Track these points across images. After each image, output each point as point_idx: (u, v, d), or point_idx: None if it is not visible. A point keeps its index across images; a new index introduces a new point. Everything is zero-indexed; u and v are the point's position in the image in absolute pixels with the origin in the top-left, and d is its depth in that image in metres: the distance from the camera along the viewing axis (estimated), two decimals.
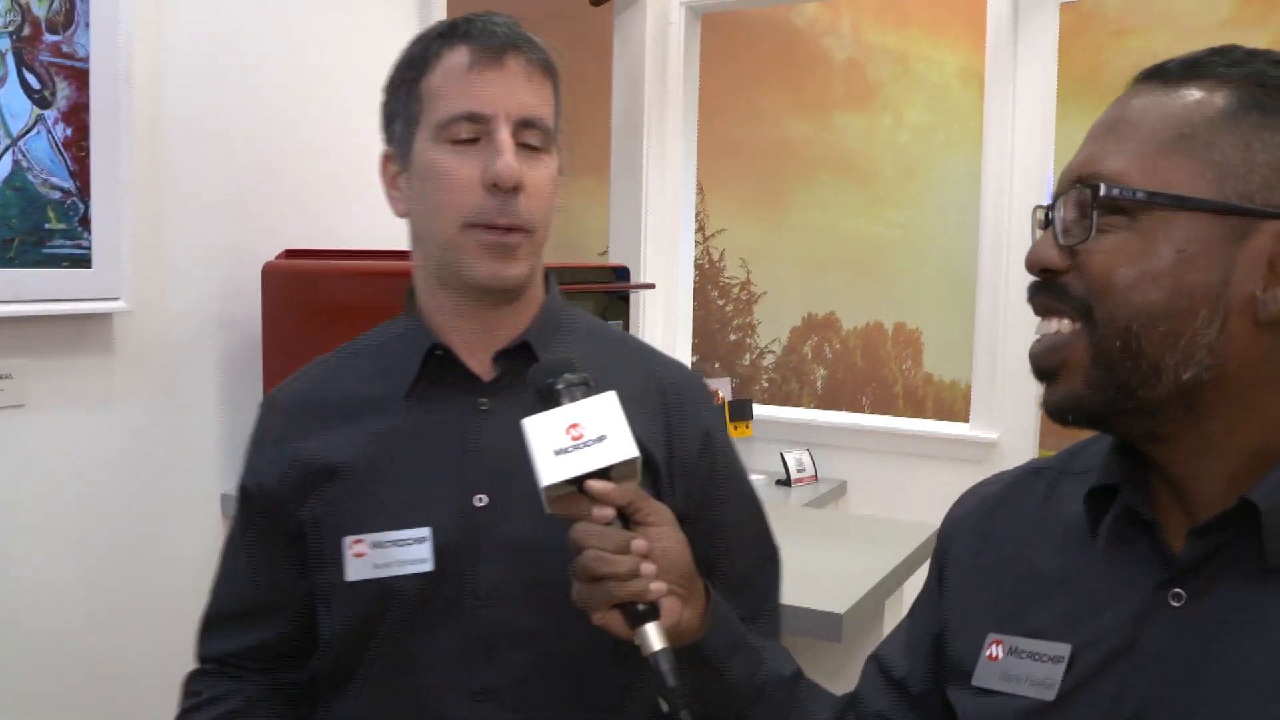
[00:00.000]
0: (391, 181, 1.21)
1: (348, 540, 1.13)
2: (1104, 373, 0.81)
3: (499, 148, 1.11)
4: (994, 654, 0.91)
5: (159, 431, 1.98)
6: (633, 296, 2.70)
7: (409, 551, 1.13)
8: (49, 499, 1.81)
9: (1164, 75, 0.83)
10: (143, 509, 1.96)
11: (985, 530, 0.99)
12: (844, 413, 3.95)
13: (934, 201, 4.56)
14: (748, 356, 5.02)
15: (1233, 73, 0.81)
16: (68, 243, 1.75)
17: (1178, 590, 0.81)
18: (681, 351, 3.69)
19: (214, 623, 1.27)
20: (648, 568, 0.89)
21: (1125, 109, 0.84)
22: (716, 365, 4.96)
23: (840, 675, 1.88)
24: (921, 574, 2.19)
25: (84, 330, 1.82)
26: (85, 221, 1.77)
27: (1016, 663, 0.89)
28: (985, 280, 3.27)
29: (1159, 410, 0.81)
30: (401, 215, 1.21)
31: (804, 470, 3.40)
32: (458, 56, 1.13)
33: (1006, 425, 3.25)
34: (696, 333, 3.87)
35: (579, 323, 1.29)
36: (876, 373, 4.78)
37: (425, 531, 1.13)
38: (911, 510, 3.10)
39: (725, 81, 4.51)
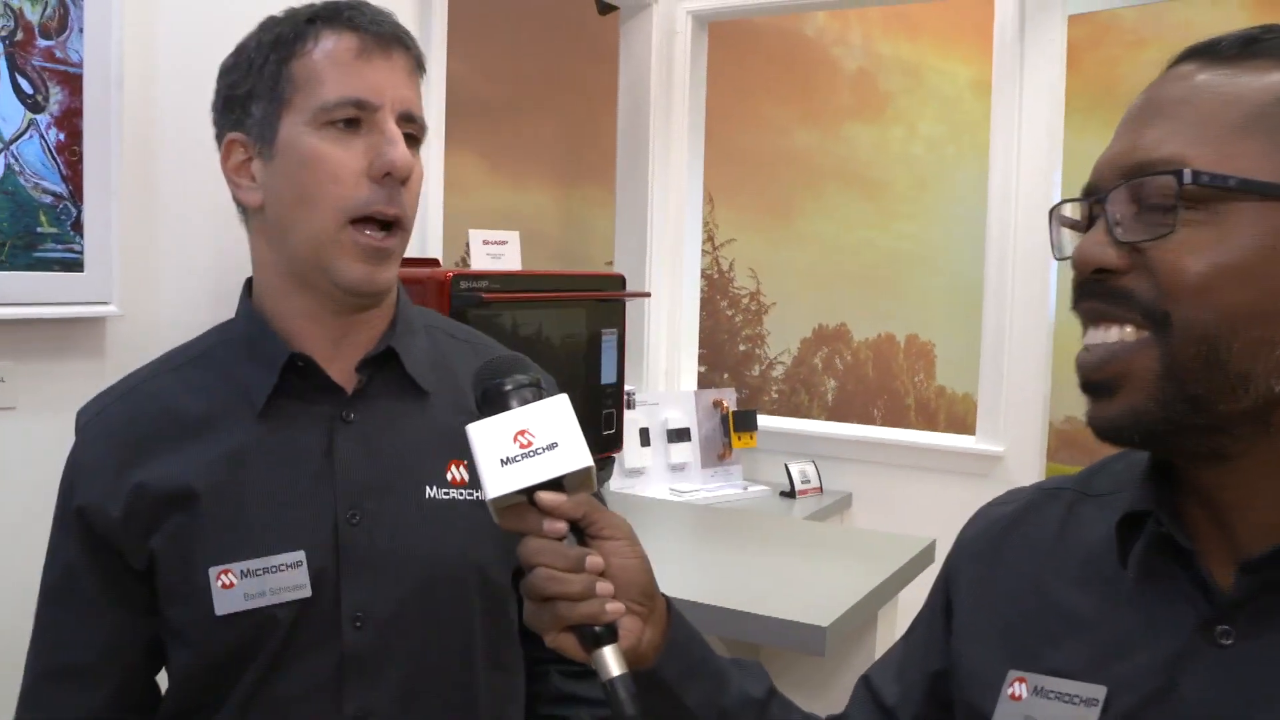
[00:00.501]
0: (238, 169, 1.13)
1: (214, 571, 1.06)
2: (1176, 386, 0.72)
3: (390, 136, 1.07)
4: (1017, 693, 0.83)
5: None
6: (633, 305, 2.69)
7: (283, 578, 1.07)
8: (39, 501, 1.80)
9: (1217, 53, 0.76)
10: None
11: (994, 558, 0.93)
12: (850, 424, 3.93)
13: (946, 213, 4.54)
14: (757, 367, 5.00)
15: None
16: (59, 247, 1.75)
17: (1225, 628, 0.74)
18: (687, 361, 3.68)
19: (44, 681, 1.13)
20: (604, 586, 0.81)
21: (1178, 89, 0.76)
22: (725, 375, 4.94)
23: (826, 690, 1.87)
24: (914, 587, 2.18)
25: (75, 334, 1.83)
26: (77, 226, 1.77)
27: (1043, 704, 0.81)
28: (991, 292, 3.25)
29: (1234, 427, 0.73)
30: (253, 205, 1.13)
31: (809, 482, 3.38)
32: (345, 42, 1.08)
33: (1013, 438, 3.22)
34: (705, 343, 3.86)
35: (427, 321, 1.24)
36: (888, 385, 4.76)
37: (299, 555, 1.08)
38: (916, 522, 3.07)
39: (733, 91, 4.50)
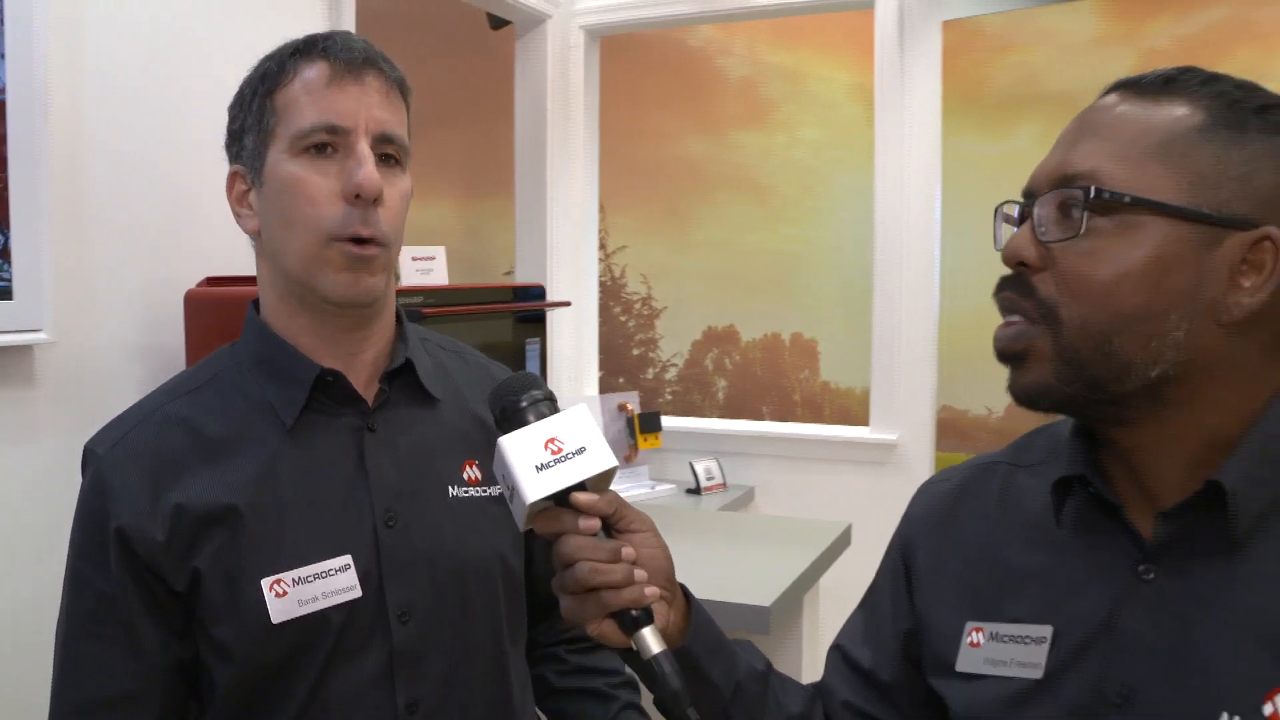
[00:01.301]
0: (240, 200, 1.18)
1: (266, 581, 1.09)
2: (1073, 369, 0.85)
3: (360, 159, 1.10)
4: (975, 640, 0.95)
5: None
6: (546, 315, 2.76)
7: (334, 581, 1.12)
8: None
9: (1139, 88, 0.88)
10: (65, 541, 1.94)
11: (946, 527, 1.04)
12: (750, 421, 4.06)
13: (829, 216, 4.71)
14: (651, 370, 5.11)
15: (1204, 90, 0.86)
16: None
17: (1151, 569, 0.86)
18: (589, 366, 3.76)
19: (84, 713, 1.12)
20: (640, 574, 0.89)
21: (1105, 115, 0.88)
22: (621, 380, 5.04)
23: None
24: (837, 568, 2.31)
25: (6, 362, 1.81)
26: (5, 253, 1.76)
27: (999, 647, 0.93)
28: (880, 290, 3.39)
29: (1128, 401, 0.86)
30: (252, 233, 1.18)
31: (713, 478, 3.49)
32: (316, 71, 1.13)
33: (905, 428, 3.38)
34: (601, 348, 3.94)
35: (419, 334, 1.30)
36: (776, 382, 4.91)
37: (346, 559, 1.13)
38: (818, 511, 3.21)
39: (625, 102, 4.60)
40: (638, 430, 3.54)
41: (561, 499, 0.89)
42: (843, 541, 2.31)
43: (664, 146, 4.97)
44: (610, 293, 4.98)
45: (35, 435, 1.88)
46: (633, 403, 3.60)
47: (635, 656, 0.90)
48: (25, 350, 1.84)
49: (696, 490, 3.43)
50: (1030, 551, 0.95)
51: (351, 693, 1.13)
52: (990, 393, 4.49)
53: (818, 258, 4.74)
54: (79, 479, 1.92)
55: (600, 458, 0.90)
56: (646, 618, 0.89)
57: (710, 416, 4.76)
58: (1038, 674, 0.90)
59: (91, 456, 1.16)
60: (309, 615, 1.10)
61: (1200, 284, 0.83)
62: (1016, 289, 0.89)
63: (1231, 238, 0.83)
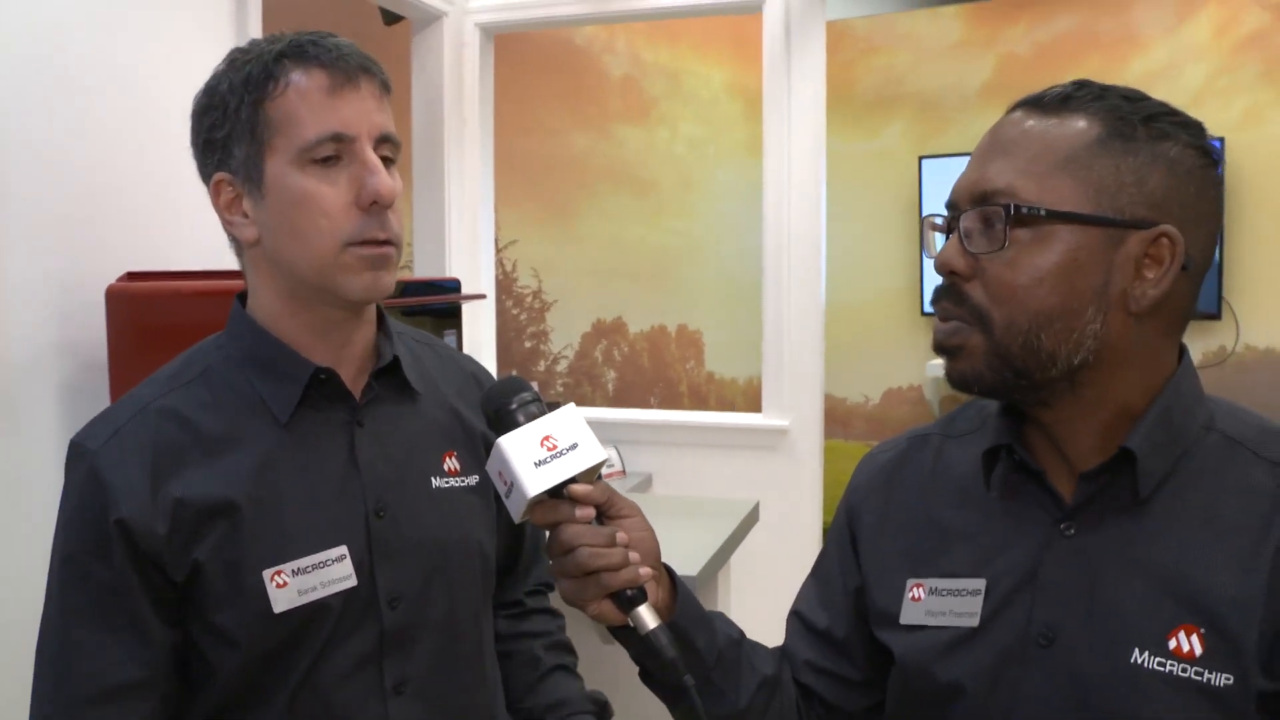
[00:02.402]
0: (230, 208, 1.18)
1: (267, 573, 1.13)
2: (1002, 362, 0.96)
3: (371, 167, 1.13)
4: (916, 595, 1.05)
5: (3, 458, 1.95)
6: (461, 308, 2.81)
7: (332, 571, 1.16)
8: None
9: (1040, 105, 0.98)
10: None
11: (887, 493, 1.14)
12: (647, 409, 4.16)
13: (709, 210, 4.84)
14: (542, 362, 5.17)
15: (1097, 106, 0.95)
16: None
17: (1070, 525, 0.98)
18: (487, 358, 3.81)
19: (86, 707, 1.12)
20: (634, 555, 0.96)
21: (1013, 131, 0.98)
22: (514, 372, 5.09)
23: None
24: (748, 542, 2.43)
25: None
26: None
27: (938, 600, 1.04)
28: (770, 281, 3.52)
29: (1048, 386, 0.97)
30: (250, 241, 1.18)
31: (612, 466, 3.59)
32: (314, 80, 1.12)
33: (795, 413, 3.53)
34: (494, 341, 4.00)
35: (397, 329, 1.34)
36: (663, 373, 5.03)
37: (342, 549, 1.17)
38: (715, 494, 3.33)
39: (514, 99, 4.64)
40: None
41: (556, 491, 0.96)
42: (752, 518, 2.44)
43: (550, 142, 5.03)
44: (502, 286, 5.03)
45: None
46: None
47: (629, 632, 0.98)
48: None
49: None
50: (962, 512, 1.06)
51: (343, 674, 1.18)
52: (867, 381, 4.71)
53: (699, 251, 4.87)
54: (1, 473, 1.92)
55: (592, 452, 0.98)
56: (641, 596, 0.96)
57: (600, 406, 4.85)
58: (974, 622, 1.00)
59: (81, 452, 1.16)
60: (309, 604, 1.15)
61: (1110, 280, 0.93)
62: (951, 298, 0.99)
63: (1133, 237, 0.93)
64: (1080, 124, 0.95)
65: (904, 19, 4.68)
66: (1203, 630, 0.91)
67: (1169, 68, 4.17)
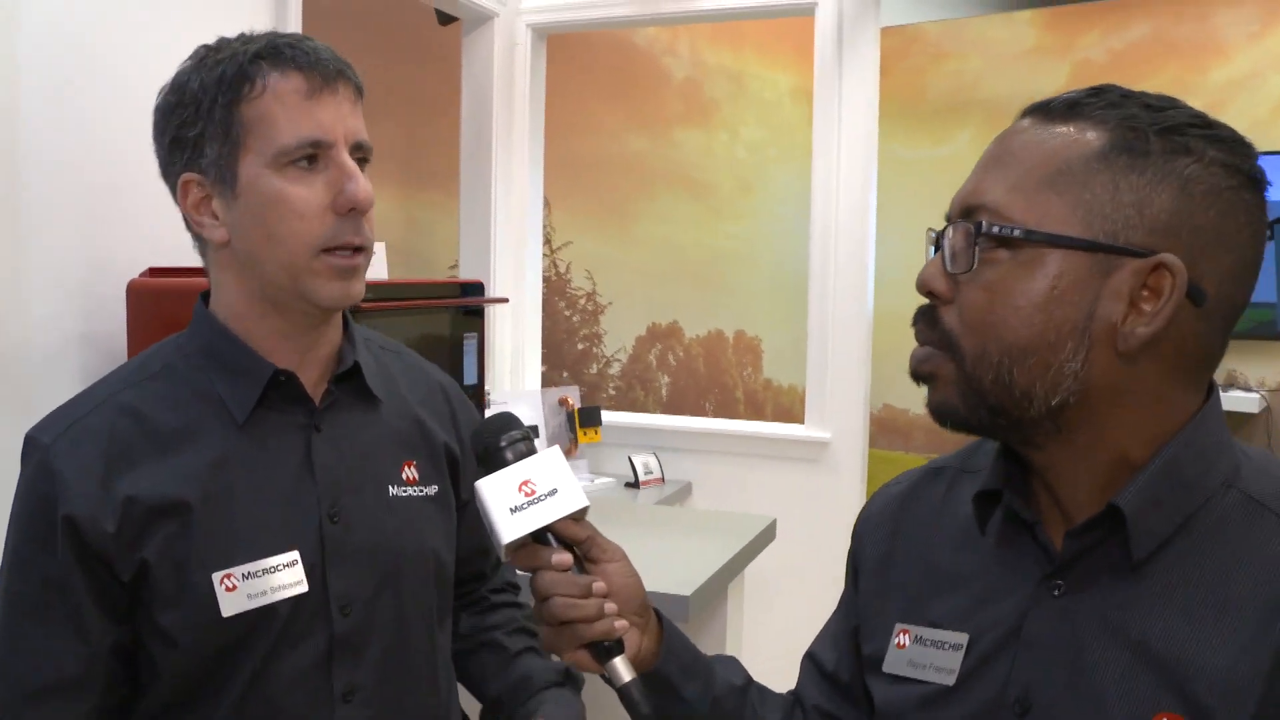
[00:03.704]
0: (198, 208, 1.16)
1: (216, 576, 1.12)
2: (976, 397, 0.86)
3: (348, 172, 1.12)
4: (901, 642, 0.98)
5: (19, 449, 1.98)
6: (486, 310, 2.80)
7: (282, 576, 1.15)
8: None
9: (1047, 112, 0.87)
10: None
11: (893, 529, 1.06)
12: (688, 417, 4.11)
13: (768, 214, 4.78)
14: (594, 365, 5.16)
15: (1108, 114, 0.84)
16: None
17: (1058, 583, 0.88)
18: (531, 361, 3.80)
19: (27, 702, 1.12)
20: (610, 607, 0.94)
21: (1014, 141, 0.87)
22: (565, 374, 5.08)
23: None
24: (763, 561, 2.38)
25: None
26: None
27: (921, 650, 0.96)
28: (815, 289, 3.45)
29: (1031, 427, 0.87)
30: (218, 241, 1.16)
31: (651, 473, 3.55)
32: (291, 83, 1.12)
33: (838, 426, 3.45)
34: (544, 343, 3.99)
35: (364, 335, 1.33)
36: (719, 379, 4.98)
37: (294, 555, 1.16)
38: (751, 505, 3.27)
39: (570, 100, 4.64)
40: (577, 424, 3.59)
41: (539, 535, 0.95)
42: (767, 535, 2.38)
43: (607, 143, 5.02)
44: (555, 288, 5.03)
45: None
46: (573, 397, 3.65)
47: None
48: None
49: (635, 484, 3.48)
50: (960, 556, 0.98)
51: (291, 679, 1.17)
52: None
53: (757, 256, 4.82)
54: (14, 464, 1.95)
55: (570, 499, 0.95)
56: (618, 647, 0.94)
57: (653, 412, 4.82)
58: (950, 680, 0.92)
59: (35, 445, 1.16)
60: (257, 608, 1.14)
61: (1095, 313, 0.82)
62: (925, 320, 0.90)
63: (1126, 266, 0.82)
64: (1082, 135, 0.84)
65: (976, 24, 4.57)
66: None
67: (1251, 76, 4.00)
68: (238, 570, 1.13)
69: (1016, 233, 0.83)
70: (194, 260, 2.20)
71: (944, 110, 4.60)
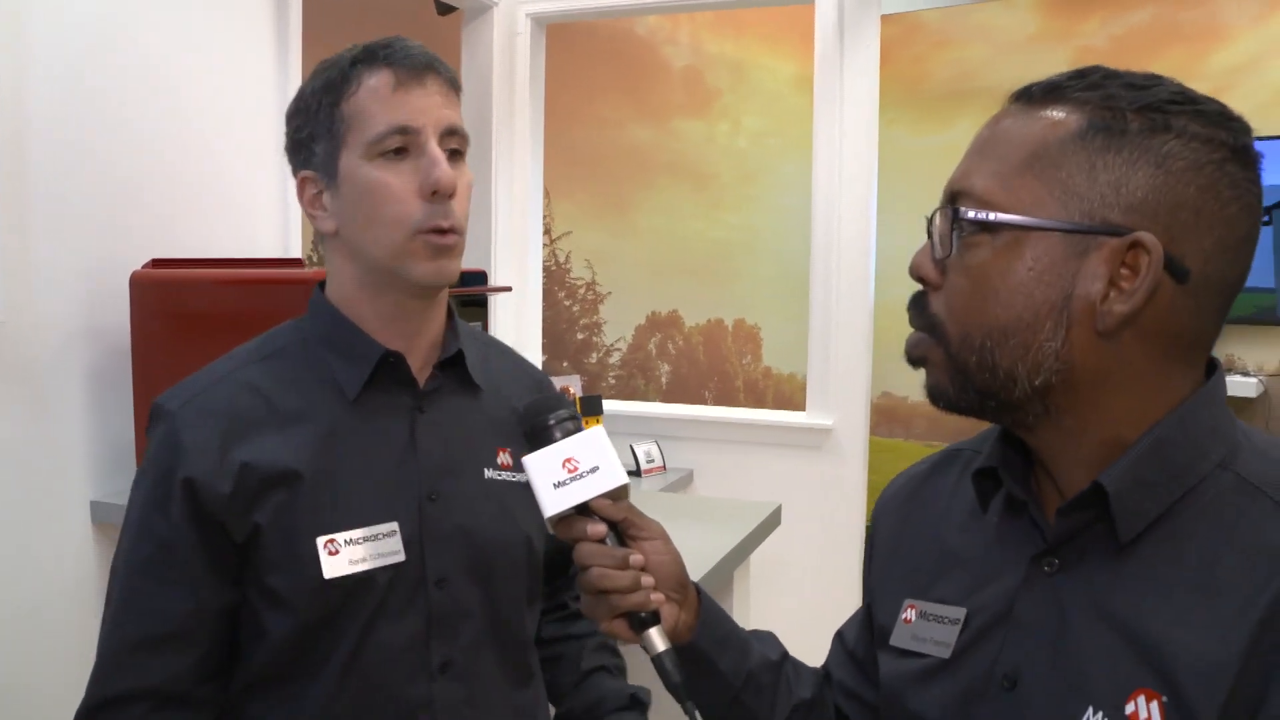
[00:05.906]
0: (312, 203, 1.26)
1: (321, 540, 1.20)
2: (963, 379, 0.88)
3: (433, 158, 1.20)
4: (908, 617, 1.01)
5: (28, 441, 1.99)
6: (489, 299, 2.80)
7: (382, 545, 1.22)
8: None
9: (1029, 97, 0.87)
10: (13, 520, 1.97)
11: (908, 510, 1.08)
12: (690, 405, 4.12)
13: (770, 203, 4.78)
14: (595, 354, 5.17)
15: (1087, 95, 0.84)
16: None
17: (1054, 560, 0.89)
18: (532, 350, 3.81)
19: (135, 650, 1.20)
20: (647, 579, 0.98)
21: (995, 128, 0.88)
22: (565, 364, 5.09)
23: None
24: (767, 546, 2.39)
25: None
26: None
27: (924, 625, 0.98)
28: (817, 277, 3.46)
29: (1019, 408, 0.88)
30: (329, 232, 1.26)
31: (653, 461, 3.56)
32: (382, 78, 1.21)
33: (840, 413, 3.46)
34: (545, 332, 4.00)
35: (467, 330, 1.39)
36: (719, 367, 4.99)
37: (394, 525, 1.23)
38: (754, 493, 3.28)
39: (570, 90, 4.64)
40: (579, 413, 3.60)
41: (581, 508, 0.99)
42: (772, 521, 2.39)
43: (608, 133, 5.01)
44: (555, 277, 5.03)
45: None
46: (574, 386, 3.66)
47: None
48: None
49: (636, 473, 3.49)
50: (965, 535, 1.00)
51: (391, 652, 1.23)
52: None
53: (758, 245, 4.82)
54: (23, 455, 1.97)
55: (611, 476, 0.99)
56: (653, 619, 0.98)
57: (653, 401, 4.83)
58: (946, 654, 0.94)
59: (162, 412, 1.24)
60: (358, 574, 1.21)
61: (1073, 293, 0.83)
62: (915, 307, 0.92)
63: (1103, 246, 0.82)
64: (1058, 116, 0.84)
65: (977, 11, 4.56)
66: (1165, 699, 0.80)
67: (1254, 61, 3.99)
68: (340, 536, 1.21)
69: (991, 217, 0.84)
70: (195, 251, 2.24)
71: (945, 97, 4.59)
